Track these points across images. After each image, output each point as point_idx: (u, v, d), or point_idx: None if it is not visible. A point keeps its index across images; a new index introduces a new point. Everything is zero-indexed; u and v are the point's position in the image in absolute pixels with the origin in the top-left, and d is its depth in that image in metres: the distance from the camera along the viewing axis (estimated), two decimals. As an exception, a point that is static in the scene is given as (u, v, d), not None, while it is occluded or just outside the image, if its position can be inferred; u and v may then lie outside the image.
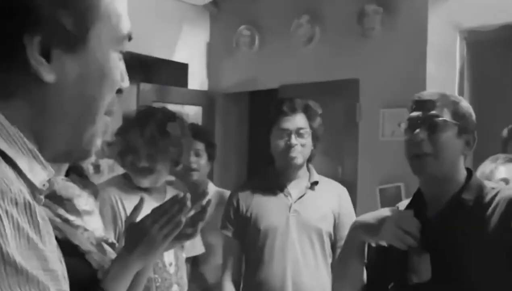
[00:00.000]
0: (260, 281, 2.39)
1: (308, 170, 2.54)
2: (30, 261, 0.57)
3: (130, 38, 0.75)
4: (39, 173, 0.67)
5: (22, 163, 0.64)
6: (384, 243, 1.54)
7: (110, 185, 2.23)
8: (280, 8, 4.13)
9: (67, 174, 1.38)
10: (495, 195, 1.49)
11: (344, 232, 1.94)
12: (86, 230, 1.33)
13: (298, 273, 2.37)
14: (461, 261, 1.46)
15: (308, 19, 3.90)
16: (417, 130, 1.51)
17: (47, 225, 0.63)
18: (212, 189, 3.04)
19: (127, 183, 2.22)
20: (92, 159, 3.98)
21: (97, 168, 4.04)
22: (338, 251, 2.13)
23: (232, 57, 4.44)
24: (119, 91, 0.75)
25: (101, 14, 0.70)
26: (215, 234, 2.67)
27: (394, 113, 3.38)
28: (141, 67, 4.85)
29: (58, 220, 1.28)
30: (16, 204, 0.58)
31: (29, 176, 0.65)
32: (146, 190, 2.19)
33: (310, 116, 2.46)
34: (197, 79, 4.62)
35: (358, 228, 1.60)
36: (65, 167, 1.36)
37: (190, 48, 4.55)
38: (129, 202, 2.12)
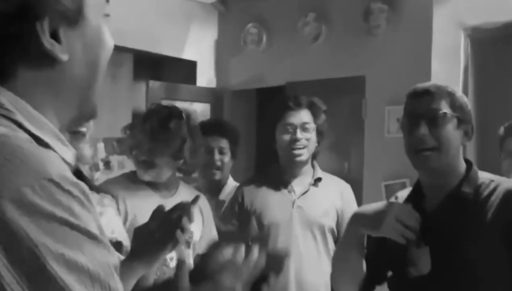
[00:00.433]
0: (263, 276, 2.41)
1: (313, 166, 2.55)
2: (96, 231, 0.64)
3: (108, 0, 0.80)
4: (66, 154, 0.72)
5: (55, 146, 0.70)
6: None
7: (115, 183, 2.21)
8: (287, 6, 4.17)
9: None
10: (495, 188, 1.47)
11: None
12: None
13: (301, 269, 2.39)
14: (461, 254, 1.44)
15: (314, 17, 3.94)
16: (420, 124, 1.49)
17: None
18: (231, 183, 3.00)
19: (133, 179, 2.21)
20: (103, 155, 4.05)
21: (107, 164, 4.12)
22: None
23: (240, 55, 4.48)
24: None
25: None
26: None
27: (399, 110, 3.30)
28: (150, 65, 4.91)
29: None
30: (72, 184, 0.63)
31: (64, 157, 0.70)
32: (151, 185, 2.19)
33: (314, 113, 2.48)
34: (205, 77, 4.65)
35: (357, 221, 1.57)
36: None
37: (199, 46, 4.58)
38: (133, 197, 2.14)
